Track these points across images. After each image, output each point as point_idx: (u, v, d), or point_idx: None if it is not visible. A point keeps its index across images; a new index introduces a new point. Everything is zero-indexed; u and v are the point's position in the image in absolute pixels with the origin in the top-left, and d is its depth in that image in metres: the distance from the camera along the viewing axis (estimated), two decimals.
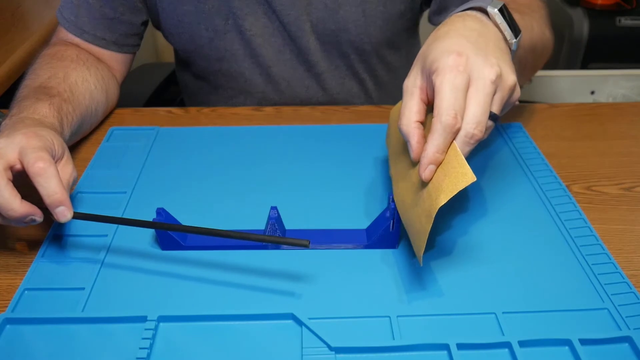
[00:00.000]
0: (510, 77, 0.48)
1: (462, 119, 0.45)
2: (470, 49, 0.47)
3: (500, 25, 0.52)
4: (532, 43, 0.64)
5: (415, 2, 0.82)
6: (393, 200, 0.54)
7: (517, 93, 0.50)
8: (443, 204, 0.44)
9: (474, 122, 0.45)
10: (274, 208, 0.54)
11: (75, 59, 0.74)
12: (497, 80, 0.46)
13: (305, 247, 0.47)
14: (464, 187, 0.43)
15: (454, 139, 0.46)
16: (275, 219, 0.54)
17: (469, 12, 0.53)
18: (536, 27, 0.66)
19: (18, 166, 0.50)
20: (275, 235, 0.48)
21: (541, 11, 0.72)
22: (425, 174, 0.47)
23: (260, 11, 0.78)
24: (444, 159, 0.46)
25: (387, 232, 0.54)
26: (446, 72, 0.45)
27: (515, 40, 0.52)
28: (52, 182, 0.49)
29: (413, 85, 0.49)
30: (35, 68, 0.71)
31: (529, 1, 0.72)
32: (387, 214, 0.54)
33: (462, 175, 0.44)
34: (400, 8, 0.81)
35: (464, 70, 0.45)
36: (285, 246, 0.55)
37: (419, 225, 0.48)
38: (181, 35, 0.81)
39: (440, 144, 0.45)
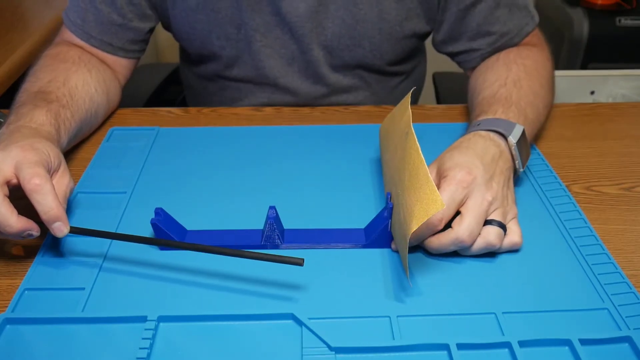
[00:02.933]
0: (513, 210, 0.56)
1: (445, 223, 0.52)
2: (480, 170, 0.54)
3: (515, 156, 0.60)
4: (539, 126, 0.71)
5: (430, 23, 0.81)
6: (391, 200, 0.54)
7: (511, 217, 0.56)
8: (414, 229, 0.46)
9: (468, 230, 0.51)
10: (272, 207, 0.54)
11: (77, 61, 0.74)
12: (493, 202, 0.53)
13: (299, 265, 0.47)
14: (434, 213, 0.46)
15: (431, 235, 0.53)
16: (273, 219, 0.54)
17: (492, 135, 0.60)
18: (540, 103, 0.70)
19: (14, 181, 0.51)
20: (269, 254, 0.48)
21: (545, 69, 0.75)
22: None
23: (272, 22, 0.78)
24: (416, 184, 0.48)
25: (385, 231, 0.54)
26: (452, 183, 0.53)
27: (522, 169, 0.61)
28: (48, 198, 0.49)
29: None
30: (37, 70, 0.71)
31: (533, 62, 0.74)
32: (385, 214, 0.54)
33: (433, 202, 0.46)
34: (415, 29, 0.81)
35: (466, 187, 0.53)
36: (283, 247, 0.55)
37: (400, 245, 0.51)
38: (192, 42, 0.81)
39: (419, 236, 0.53)
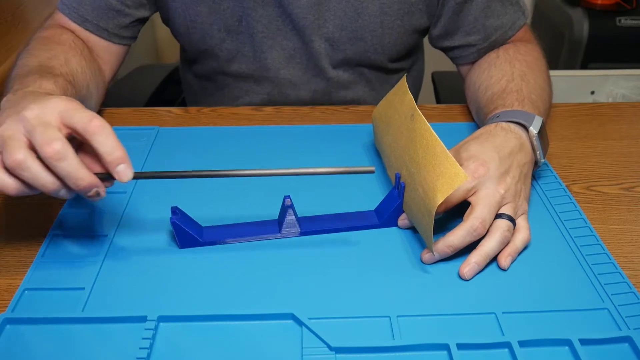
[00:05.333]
0: (523, 206, 0.57)
1: (446, 209, 0.55)
2: (496, 163, 0.55)
3: (535, 147, 0.60)
4: (547, 120, 0.70)
5: (430, 19, 0.81)
6: (401, 180, 0.56)
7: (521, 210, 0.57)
8: (441, 202, 0.49)
9: (480, 218, 0.52)
10: (287, 197, 0.56)
11: (73, 46, 0.71)
12: (505, 195, 0.54)
13: (372, 172, 0.50)
14: (458, 186, 0.48)
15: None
16: (291, 207, 0.55)
17: (512, 126, 0.60)
18: (547, 97, 0.71)
19: (63, 131, 0.46)
20: (338, 167, 0.51)
21: (544, 65, 0.76)
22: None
23: (274, 14, 0.78)
24: (434, 160, 0.50)
25: (398, 210, 0.57)
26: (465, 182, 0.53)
27: (543, 160, 0.61)
28: (111, 139, 0.45)
29: None
30: (30, 49, 0.68)
31: (533, 58, 0.75)
32: (396, 193, 0.56)
33: (456, 175, 0.48)
34: (416, 24, 0.81)
35: (477, 178, 0.54)
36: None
37: (423, 221, 0.52)
38: (192, 35, 0.81)
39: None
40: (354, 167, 0.51)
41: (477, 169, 0.54)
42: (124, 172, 0.46)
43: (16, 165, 0.44)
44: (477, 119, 0.75)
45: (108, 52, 0.79)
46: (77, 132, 0.46)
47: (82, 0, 0.75)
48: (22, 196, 0.48)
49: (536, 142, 0.60)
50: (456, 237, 0.52)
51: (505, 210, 0.54)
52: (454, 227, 0.54)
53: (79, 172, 0.45)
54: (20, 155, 0.44)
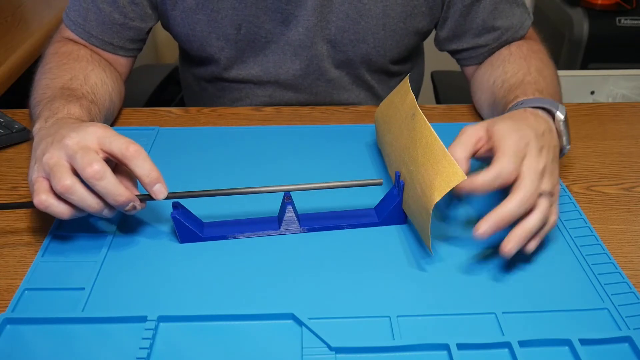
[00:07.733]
0: (558, 186, 0.54)
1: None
2: (533, 139, 0.52)
3: (562, 133, 0.59)
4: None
5: (433, 21, 0.82)
6: (401, 179, 0.56)
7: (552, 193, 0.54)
8: (437, 200, 0.48)
9: (530, 190, 0.49)
10: (287, 194, 0.56)
11: (91, 60, 0.74)
12: (544, 170, 0.52)
13: (379, 184, 0.54)
14: (455, 185, 0.48)
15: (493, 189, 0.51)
16: (291, 204, 0.55)
17: (539, 112, 0.58)
18: (559, 97, 0.70)
19: (101, 155, 0.51)
20: (347, 181, 0.54)
21: (554, 66, 0.76)
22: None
23: (278, 19, 0.78)
24: (433, 159, 0.50)
25: (397, 208, 0.57)
26: (511, 148, 0.51)
27: (568, 147, 0.60)
28: (148, 162, 0.51)
29: (473, 132, 0.54)
30: (52, 67, 0.71)
31: (546, 57, 0.75)
32: (395, 192, 0.56)
33: (453, 174, 0.48)
34: (418, 26, 0.81)
35: (521, 153, 0.51)
36: (302, 230, 0.57)
37: (421, 220, 0.52)
38: (192, 43, 0.81)
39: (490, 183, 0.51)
40: (362, 180, 0.55)
41: (518, 142, 0.51)
42: (159, 190, 0.52)
43: (65, 190, 0.49)
44: (490, 113, 0.74)
45: (117, 63, 0.81)
46: (115, 156, 0.51)
47: (87, 16, 0.76)
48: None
49: (562, 127, 0.58)
50: (509, 209, 0.49)
51: (546, 187, 0.51)
52: (454, 227, 0.54)
53: (117, 189, 0.49)
54: (68, 181, 0.49)
